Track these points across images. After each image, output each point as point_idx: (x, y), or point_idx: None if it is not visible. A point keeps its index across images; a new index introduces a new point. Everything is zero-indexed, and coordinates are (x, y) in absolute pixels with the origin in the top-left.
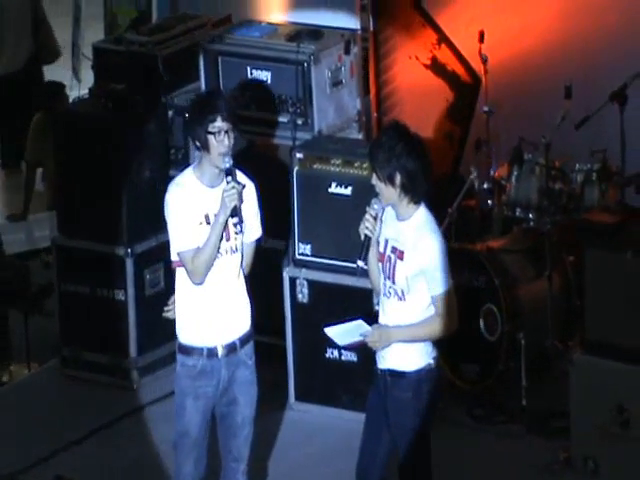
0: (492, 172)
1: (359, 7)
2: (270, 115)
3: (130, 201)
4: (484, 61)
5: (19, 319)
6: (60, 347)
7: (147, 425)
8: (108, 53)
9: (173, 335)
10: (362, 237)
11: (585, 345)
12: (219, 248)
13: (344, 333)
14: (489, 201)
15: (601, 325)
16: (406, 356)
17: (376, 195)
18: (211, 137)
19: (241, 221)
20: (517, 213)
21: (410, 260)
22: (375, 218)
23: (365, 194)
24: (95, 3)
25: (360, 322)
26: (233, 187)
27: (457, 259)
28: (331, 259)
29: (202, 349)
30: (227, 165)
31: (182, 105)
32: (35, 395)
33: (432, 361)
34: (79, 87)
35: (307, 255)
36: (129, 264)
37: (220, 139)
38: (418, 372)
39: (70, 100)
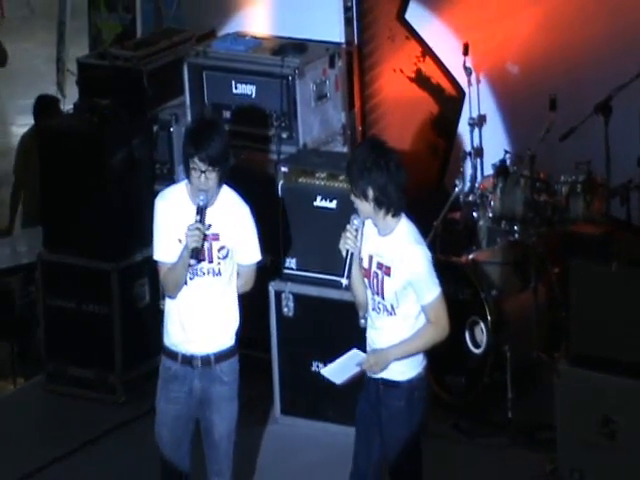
0: (477, 184)
1: (344, 21)
2: (255, 129)
3: (115, 216)
4: (468, 73)
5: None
6: (45, 362)
7: (133, 440)
8: (93, 68)
9: (159, 349)
10: (344, 253)
11: (571, 357)
12: (202, 269)
13: (341, 369)
14: (474, 213)
15: (586, 337)
16: (399, 367)
17: (356, 211)
18: (191, 170)
19: (198, 262)
20: (502, 225)
21: (397, 275)
22: (356, 234)
23: (350, 208)
24: (79, 18)
25: (354, 351)
26: (197, 228)
27: (442, 272)
28: (316, 273)
29: (177, 354)
30: (200, 203)
31: (167, 119)
32: (20, 411)
33: (422, 369)
34: (64, 102)
35: (292, 269)
36: (114, 279)
37: (196, 176)
38: (410, 381)
39: None
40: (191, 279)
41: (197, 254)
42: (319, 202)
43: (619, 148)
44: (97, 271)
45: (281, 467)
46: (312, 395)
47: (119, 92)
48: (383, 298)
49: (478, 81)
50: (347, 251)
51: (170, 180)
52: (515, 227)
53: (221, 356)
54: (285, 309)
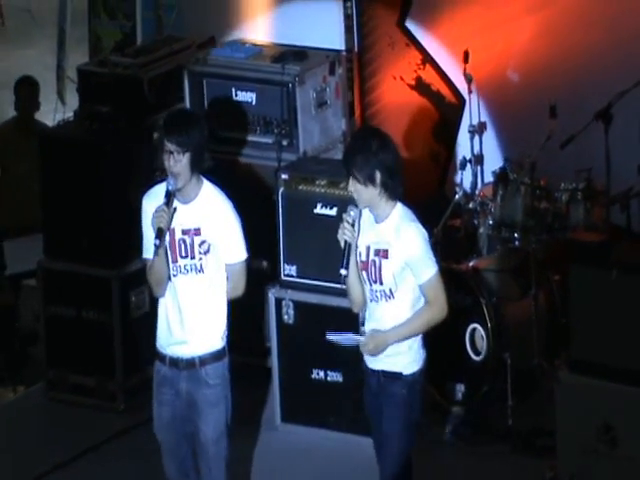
0: (477, 192)
1: (344, 28)
2: (255, 136)
3: (115, 223)
4: (469, 81)
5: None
6: (46, 370)
7: (133, 448)
8: (93, 75)
9: None
10: (342, 244)
11: (571, 364)
12: (185, 266)
13: (344, 340)
14: (474, 221)
15: (587, 344)
16: (401, 360)
17: (352, 202)
18: (164, 153)
19: (159, 245)
20: (502, 232)
21: (395, 255)
22: (353, 224)
23: None
24: (79, 26)
25: (352, 336)
26: (163, 210)
27: (443, 279)
28: (317, 280)
29: (165, 356)
30: (169, 187)
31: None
32: (21, 418)
33: (423, 364)
34: (64, 110)
35: (293, 276)
36: (115, 286)
37: (166, 158)
38: (413, 374)
39: (55, 122)
40: (175, 276)
41: (161, 235)
42: (319, 209)
43: (619, 156)
44: (97, 279)
45: (281, 474)
46: (312, 402)
47: (119, 100)
48: (382, 284)
49: (478, 88)
50: (345, 242)
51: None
52: (515, 234)
53: (206, 359)
54: (285, 316)
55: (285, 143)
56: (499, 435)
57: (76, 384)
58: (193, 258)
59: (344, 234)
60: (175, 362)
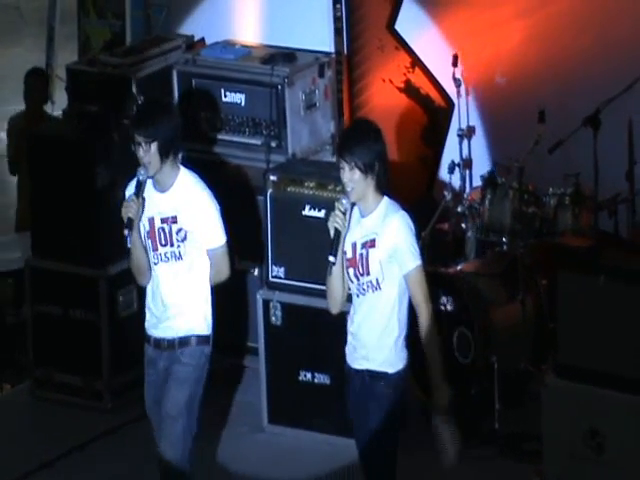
0: (466, 196)
1: (333, 30)
2: (244, 138)
3: (103, 222)
4: (458, 85)
5: None
6: (32, 368)
7: (120, 447)
8: (82, 75)
9: None
10: (332, 232)
11: (558, 369)
12: (166, 254)
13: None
14: (462, 225)
15: (574, 349)
16: (387, 360)
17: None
18: (135, 144)
19: (128, 234)
20: (490, 237)
21: (382, 243)
22: (344, 213)
23: None
24: (68, 24)
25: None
26: (133, 200)
27: (430, 283)
28: (305, 282)
29: (150, 337)
30: (140, 177)
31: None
32: (7, 417)
33: (407, 362)
34: (53, 108)
35: (280, 278)
36: (102, 285)
37: (135, 148)
38: (398, 373)
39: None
40: (155, 264)
41: (130, 225)
42: (308, 211)
43: (607, 161)
44: (85, 278)
45: (267, 476)
46: (299, 404)
47: (108, 99)
48: (369, 274)
49: (467, 92)
50: (335, 230)
51: None
52: (503, 239)
53: (186, 341)
54: (273, 318)
55: (274, 145)
56: (486, 439)
57: (63, 383)
58: (172, 245)
59: (335, 222)
60: (158, 343)
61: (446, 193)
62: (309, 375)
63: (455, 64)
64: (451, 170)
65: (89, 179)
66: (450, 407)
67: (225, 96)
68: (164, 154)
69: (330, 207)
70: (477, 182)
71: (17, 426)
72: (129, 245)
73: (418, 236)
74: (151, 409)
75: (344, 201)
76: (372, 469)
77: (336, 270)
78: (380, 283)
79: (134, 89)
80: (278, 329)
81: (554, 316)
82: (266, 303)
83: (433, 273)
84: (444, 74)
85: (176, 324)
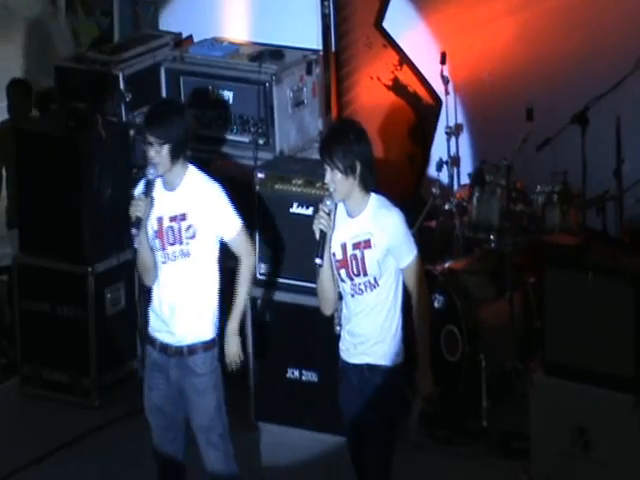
0: (453, 193)
1: (321, 28)
2: (232, 135)
3: (92, 220)
4: (445, 82)
5: None
6: (20, 365)
7: (107, 444)
8: (70, 72)
9: (134, 354)
10: (317, 234)
11: (545, 366)
12: (174, 253)
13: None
14: (450, 222)
15: (561, 346)
16: (385, 353)
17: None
18: (145, 144)
19: (136, 234)
20: (478, 234)
21: (378, 242)
22: (329, 214)
23: None
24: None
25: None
26: (140, 199)
27: None
28: (292, 279)
29: (155, 340)
30: (149, 176)
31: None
32: None
33: (403, 357)
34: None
35: (268, 275)
36: (90, 282)
37: (146, 148)
38: (396, 366)
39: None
40: (164, 263)
41: (139, 224)
42: (295, 209)
43: (595, 159)
44: (73, 275)
45: (255, 474)
46: (287, 402)
47: (96, 96)
48: (366, 275)
49: (455, 90)
50: (321, 231)
51: None
52: (491, 236)
53: (195, 349)
54: (261, 315)
55: (262, 142)
56: (473, 436)
57: (50, 380)
58: (181, 243)
59: (320, 223)
60: (164, 348)
61: (434, 191)
62: (297, 373)
63: (443, 62)
64: (439, 168)
65: (77, 176)
66: (433, 392)
67: (213, 93)
68: (175, 156)
69: (318, 204)
70: (465, 180)
71: (4, 423)
72: (136, 245)
73: None
74: (151, 412)
75: (328, 202)
76: (366, 466)
77: (325, 272)
78: (378, 280)
79: (122, 86)
80: (266, 326)
81: (542, 313)
82: (254, 300)
83: None
84: (432, 72)
85: (182, 331)
